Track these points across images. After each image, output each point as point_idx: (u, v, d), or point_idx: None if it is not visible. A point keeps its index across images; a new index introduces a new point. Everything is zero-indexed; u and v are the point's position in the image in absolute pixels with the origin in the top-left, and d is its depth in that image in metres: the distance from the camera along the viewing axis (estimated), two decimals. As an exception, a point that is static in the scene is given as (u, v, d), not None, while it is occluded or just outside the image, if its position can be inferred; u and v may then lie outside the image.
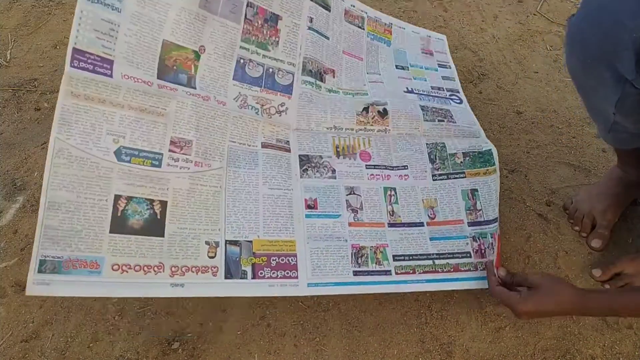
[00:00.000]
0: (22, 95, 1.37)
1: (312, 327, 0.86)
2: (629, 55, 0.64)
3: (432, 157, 0.97)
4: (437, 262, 0.85)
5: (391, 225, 0.87)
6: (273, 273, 0.77)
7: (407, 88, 1.08)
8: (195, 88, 0.84)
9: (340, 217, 0.86)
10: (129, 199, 0.72)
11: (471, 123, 1.05)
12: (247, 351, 0.83)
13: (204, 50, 0.85)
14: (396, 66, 1.13)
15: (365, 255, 0.83)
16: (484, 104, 1.27)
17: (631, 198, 0.99)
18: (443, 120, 1.02)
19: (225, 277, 0.74)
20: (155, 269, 0.70)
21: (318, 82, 0.99)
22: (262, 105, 0.90)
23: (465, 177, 0.95)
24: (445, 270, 0.84)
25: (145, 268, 0.70)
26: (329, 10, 1.05)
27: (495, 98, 1.29)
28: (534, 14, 1.58)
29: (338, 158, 0.92)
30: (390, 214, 0.88)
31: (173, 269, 0.71)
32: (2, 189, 1.12)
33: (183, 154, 0.78)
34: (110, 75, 0.75)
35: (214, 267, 0.74)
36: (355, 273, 0.81)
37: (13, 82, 1.41)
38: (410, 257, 0.85)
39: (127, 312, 0.89)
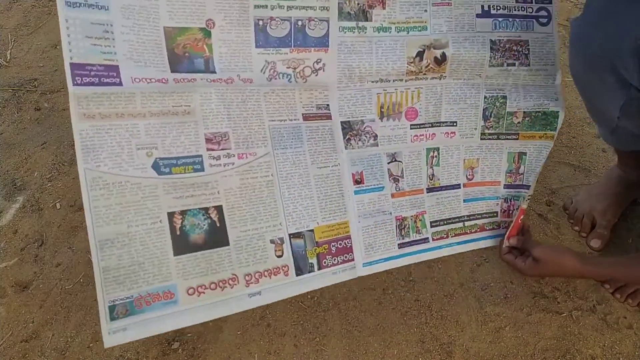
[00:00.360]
0: (22, 95, 1.37)
1: (312, 327, 0.86)
2: (633, 61, 0.63)
3: (486, 113, 0.88)
4: (466, 223, 0.86)
5: (429, 190, 0.87)
6: (334, 260, 0.75)
7: (482, 7, 0.87)
8: (215, 72, 0.73)
9: (384, 189, 0.83)
10: (183, 213, 0.67)
11: (548, 62, 0.90)
12: (247, 351, 0.83)
13: (213, 24, 0.72)
14: None
15: (407, 225, 0.83)
16: (484, 104, 1.27)
17: (631, 198, 0.99)
18: (514, 64, 0.89)
19: (297, 275, 0.72)
20: (230, 282, 0.67)
21: (361, 24, 0.83)
22: (295, 69, 0.78)
23: (517, 139, 0.89)
24: (472, 230, 0.86)
25: (221, 284, 0.67)
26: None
27: (495, 98, 1.29)
28: (534, 14, 1.57)
29: (382, 120, 0.85)
30: (429, 177, 0.87)
31: (247, 277, 0.69)
32: (2, 189, 1.12)
33: (222, 149, 0.71)
34: (120, 84, 0.67)
35: (285, 267, 0.72)
36: (400, 245, 0.81)
37: (13, 82, 1.41)
38: (445, 222, 0.86)
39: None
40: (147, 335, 0.62)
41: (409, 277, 0.92)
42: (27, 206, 1.08)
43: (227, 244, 0.68)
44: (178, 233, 0.66)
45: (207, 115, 0.71)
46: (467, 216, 0.87)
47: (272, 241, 0.72)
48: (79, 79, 0.64)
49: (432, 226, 0.85)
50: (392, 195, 0.83)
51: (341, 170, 0.80)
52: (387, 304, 0.89)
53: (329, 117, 0.81)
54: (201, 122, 0.71)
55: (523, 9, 0.88)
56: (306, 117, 0.80)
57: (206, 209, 0.68)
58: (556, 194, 1.05)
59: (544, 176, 1.09)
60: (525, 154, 0.89)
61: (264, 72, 0.76)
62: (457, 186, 0.88)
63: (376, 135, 0.84)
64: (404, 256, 0.81)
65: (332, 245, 0.75)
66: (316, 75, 0.80)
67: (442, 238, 0.85)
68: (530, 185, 0.87)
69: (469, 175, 0.89)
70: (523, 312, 0.87)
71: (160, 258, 0.64)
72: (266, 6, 0.75)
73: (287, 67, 0.77)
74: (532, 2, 0.88)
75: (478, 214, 0.88)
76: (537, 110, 0.89)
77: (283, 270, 0.71)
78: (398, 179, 0.84)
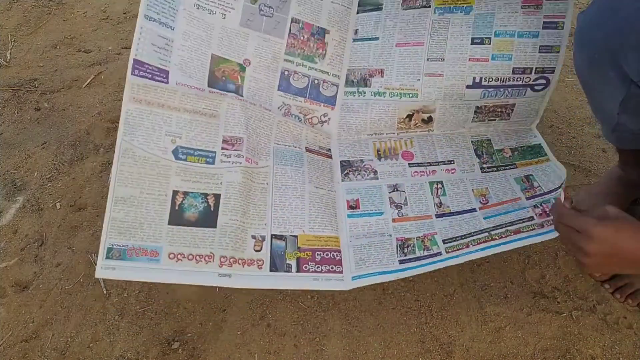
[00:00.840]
0: (22, 95, 1.37)
1: (312, 327, 0.86)
2: (635, 55, 0.63)
3: (478, 152, 0.94)
4: (493, 232, 0.82)
5: (439, 215, 0.86)
6: (318, 267, 0.78)
7: (473, 79, 0.91)
8: (242, 96, 0.90)
9: (384, 215, 0.86)
10: (186, 194, 0.77)
11: (530, 115, 0.95)
12: (247, 351, 0.83)
13: (249, 63, 0.92)
14: (473, 40, 0.91)
15: (412, 245, 0.82)
16: (484, 104, 1.27)
17: (631, 198, 0.99)
18: (494, 120, 0.95)
19: (271, 270, 0.77)
20: (206, 258, 0.75)
21: (361, 89, 0.97)
22: (305, 115, 0.94)
23: (516, 167, 0.92)
24: (503, 236, 0.81)
25: (197, 257, 0.74)
26: (380, 9, 0.97)
27: (495, 98, 1.29)
28: (534, 14, 1.57)
29: (380, 160, 0.93)
30: (437, 205, 0.87)
31: (222, 259, 0.75)
32: (2, 189, 1.12)
33: (235, 149, 0.83)
34: (167, 82, 0.81)
35: (260, 260, 0.77)
36: (402, 262, 0.80)
37: (13, 82, 1.41)
38: (462, 237, 0.83)
39: (127, 312, 0.89)
40: (128, 279, 0.75)
41: (409, 277, 0.92)
42: (27, 206, 1.08)
43: (214, 226, 0.77)
44: (176, 208, 0.76)
45: (229, 121, 0.85)
46: (493, 227, 0.83)
47: (253, 236, 0.79)
48: (136, 72, 0.78)
49: (445, 242, 0.82)
50: (394, 220, 0.86)
51: (337, 196, 0.88)
52: (387, 304, 0.89)
53: (329, 157, 0.93)
54: (222, 125, 0.84)
55: (519, 79, 0.90)
56: (309, 150, 0.92)
57: (206, 195, 0.78)
58: (556, 194, 1.05)
59: (544, 176, 1.09)
60: (531, 175, 0.91)
61: (280, 109, 0.93)
62: (473, 210, 0.87)
63: (376, 171, 0.91)
64: (407, 269, 0.79)
65: (317, 254, 0.80)
66: (321, 125, 0.96)
67: (459, 249, 0.81)
68: (555, 187, 0.85)
69: (483, 200, 0.88)
70: (523, 312, 0.87)
71: (156, 222, 0.75)
72: (293, 62, 0.95)
73: (299, 112, 0.94)
74: (531, 73, 0.89)
75: (507, 223, 0.83)
76: (522, 145, 0.94)
77: (257, 263, 0.77)
78: (401, 206, 0.87)
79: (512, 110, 0.95)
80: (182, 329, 0.86)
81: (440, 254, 0.81)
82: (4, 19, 1.65)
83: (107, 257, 0.70)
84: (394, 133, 0.96)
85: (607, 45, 0.67)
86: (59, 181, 1.13)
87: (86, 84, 1.39)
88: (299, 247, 0.80)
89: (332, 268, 0.79)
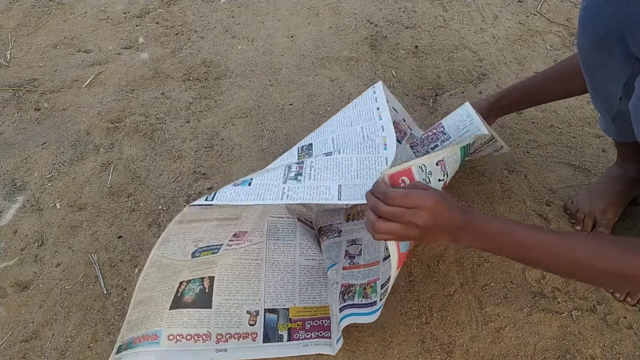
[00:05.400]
0: (22, 95, 1.37)
1: (312, 327, 0.86)
2: None
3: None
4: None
5: (385, 259, 0.85)
6: (307, 334, 0.83)
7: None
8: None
9: (337, 265, 0.90)
10: (189, 281, 0.82)
11: (465, 124, 0.93)
12: (247, 351, 0.83)
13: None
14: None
15: (353, 291, 0.83)
16: (484, 104, 1.27)
17: (631, 196, 0.99)
18: (437, 145, 0.95)
19: (264, 341, 0.82)
20: (204, 337, 0.79)
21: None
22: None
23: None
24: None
25: (195, 337, 0.79)
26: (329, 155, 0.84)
27: (495, 98, 1.29)
28: (534, 14, 1.57)
29: (347, 222, 0.97)
30: (386, 249, 0.84)
31: (218, 336, 0.80)
32: (2, 189, 1.12)
33: (238, 242, 0.86)
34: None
35: (254, 333, 0.82)
36: (341, 309, 0.81)
37: (13, 82, 1.41)
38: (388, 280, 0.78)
39: (127, 312, 0.89)
40: None
41: (409, 277, 0.92)
42: (27, 206, 1.08)
43: (210, 307, 0.81)
44: (178, 295, 0.80)
45: (245, 221, 0.86)
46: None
47: (248, 312, 0.84)
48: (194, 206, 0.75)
49: (381, 288, 0.80)
50: (344, 268, 0.88)
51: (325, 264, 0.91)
52: (387, 304, 0.88)
53: (313, 228, 0.99)
54: (239, 225, 0.85)
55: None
56: (300, 220, 0.96)
57: (202, 278, 0.82)
58: (556, 194, 1.05)
59: (544, 176, 1.09)
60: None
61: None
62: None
63: (340, 231, 0.96)
64: (343, 318, 0.79)
65: (307, 323, 0.84)
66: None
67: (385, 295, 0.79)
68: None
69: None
70: (523, 312, 0.87)
71: (160, 311, 0.78)
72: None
73: None
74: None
75: None
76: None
77: (252, 335, 0.82)
78: (354, 257, 0.90)
79: (443, 127, 0.93)
80: (182, 329, 0.86)
81: (375, 303, 0.80)
82: (4, 19, 1.65)
83: (117, 352, 0.75)
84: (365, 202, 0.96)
85: (614, 22, 0.67)
86: (59, 181, 1.13)
87: (86, 84, 1.39)
88: (290, 319, 0.84)
89: (320, 334, 0.84)
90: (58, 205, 1.08)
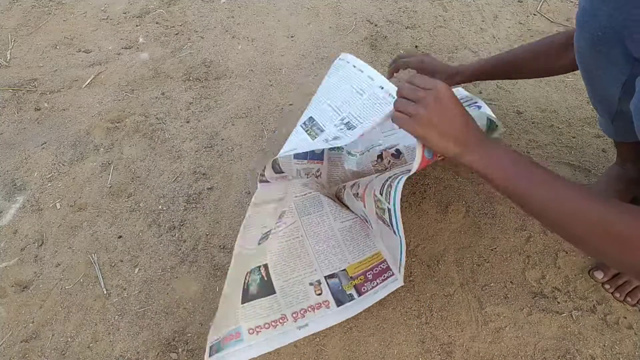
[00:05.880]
0: (22, 95, 1.37)
1: (312, 327, 0.86)
2: (639, 32, 0.63)
3: None
4: None
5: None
6: (373, 284, 0.85)
7: None
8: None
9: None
10: (251, 272, 0.83)
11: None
12: (247, 351, 0.83)
13: None
14: None
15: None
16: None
17: (631, 195, 0.99)
18: None
19: (338, 306, 0.83)
20: (280, 320, 0.80)
21: (339, 150, 1.07)
22: (307, 174, 1.03)
23: None
24: None
25: (273, 323, 0.80)
26: (354, 128, 0.88)
27: (495, 98, 1.29)
28: (534, 14, 1.57)
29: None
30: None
31: (294, 315, 0.81)
32: (2, 189, 1.12)
33: (279, 224, 0.89)
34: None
35: (326, 302, 0.83)
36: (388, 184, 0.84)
37: (13, 82, 1.41)
38: None
39: (127, 312, 0.89)
40: None
41: (409, 277, 0.92)
42: (27, 206, 1.08)
43: (274, 292, 0.82)
44: (245, 287, 0.82)
45: (287, 199, 0.93)
46: None
47: (310, 284, 0.84)
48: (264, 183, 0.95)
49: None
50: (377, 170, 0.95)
51: (358, 220, 0.93)
52: (387, 304, 0.89)
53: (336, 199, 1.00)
54: (283, 204, 0.92)
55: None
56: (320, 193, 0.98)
57: (259, 267, 0.84)
58: (556, 194, 1.05)
59: (544, 176, 1.09)
60: None
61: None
62: None
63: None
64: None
65: (368, 274, 0.86)
66: (317, 179, 1.04)
67: None
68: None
69: None
70: (523, 312, 0.87)
71: (236, 308, 0.80)
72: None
73: (305, 174, 1.02)
74: (464, 101, 1.06)
75: None
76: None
77: (324, 304, 0.83)
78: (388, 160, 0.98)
79: None
80: (182, 329, 0.86)
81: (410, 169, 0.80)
82: (4, 19, 1.65)
83: (210, 355, 0.76)
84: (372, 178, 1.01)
85: (612, 22, 0.67)
86: (59, 181, 1.13)
87: (86, 84, 1.39)
88: (351, 277, 0.86)
89: (384, 276, 0.86)
90: (58, 205, 1.08)
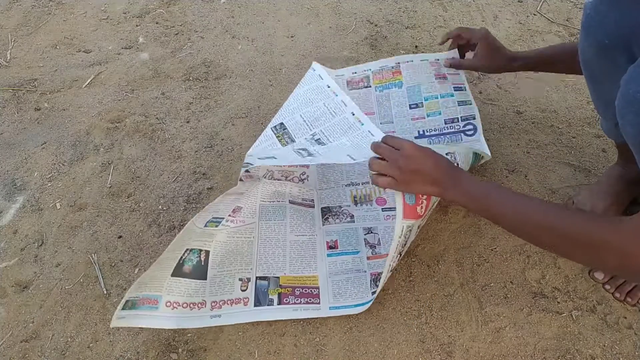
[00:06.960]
0: (22, 95, 1.37)
1: (312, 327, 0.86)
2: None
3: None
4: None
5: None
6: (297, 300, 0.87)
7: (418, 132, 1.10)
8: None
9: (360, 253, 0.94)
10: (191, 250, 0.86)
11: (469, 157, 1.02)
12: (247, 351, 0.83)
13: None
14: (410, 106, 1.12)
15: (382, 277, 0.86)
16: (484, 104, 1.27)
17: (632, 196, 0.99)
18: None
19: (255, 305, 0.86)
20: (199, 305, 0.83)
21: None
22: (287, 177, 1.02)
23: None
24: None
25: (191, 305, 0.83)
26: (323, 145, 0.93)
27: (495, 98, 1.29)
28: (534, 14, 1.58)
29: (356, 206, 1.02)
30: (403, 245, 0.86)
31: (213, 303, 0.84)
32: (2, 189, 1.12)
33: (233, 217, 0.92)
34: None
35: (246, 298, 0.87)
36: (373, 292, 0.87)
37: (13, 82, 1.41)
38: None
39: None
40: (132, 325, 0.79)
41: (409, 277, 0.92)
42: (27, 206, 1.08)
43: (205, 279, 0.85)
44: (180, 262, 0.84)
45: (247, 197, 0.96)
46: None
47: (240, 279, 0.88)
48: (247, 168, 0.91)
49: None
50: (368, 258, 0.93)
51: (317, 239, 0.96)
52: (387, 304, 0.89)
53: (312, 207, 1.02)
54: (241, 200, 0.95)
55: (452, 127, 1.10)
56: (292, 202, 1.01)
57: (200, 250, 0.87)
58: (556, 194, 1.05)
59: (544, 176, 1.09)
60: None
61: (265, 177, 1.00)
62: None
63: (352, 215, 1.01)
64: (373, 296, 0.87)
65: (296, 289, 0.89)
66: (302, 182, 1.04)
67: None
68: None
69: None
70: (523, 312, 0.87)
71: (164, 276, 0.82)
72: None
73: (282, 175, 1.02)
74: (459, 121, 1.10)
75: None
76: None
77: (244, 300, 0.86)
78: (375, 246, 0.95)
79: (455, 158, 0.97)
80: (182, 329, 0.86)
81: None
82: (4, 19, 1.65)
83: (122, 309, 0.78)
84: (368, 182, 1.05)
85: (619, 29, 0.66)
86: (59, 181, 1.13)
87: (86, 84, 1.39)
88: (280, 285, 0.89)
89: (309, 300, 0.88)
90: (58, 205, 1.08)
